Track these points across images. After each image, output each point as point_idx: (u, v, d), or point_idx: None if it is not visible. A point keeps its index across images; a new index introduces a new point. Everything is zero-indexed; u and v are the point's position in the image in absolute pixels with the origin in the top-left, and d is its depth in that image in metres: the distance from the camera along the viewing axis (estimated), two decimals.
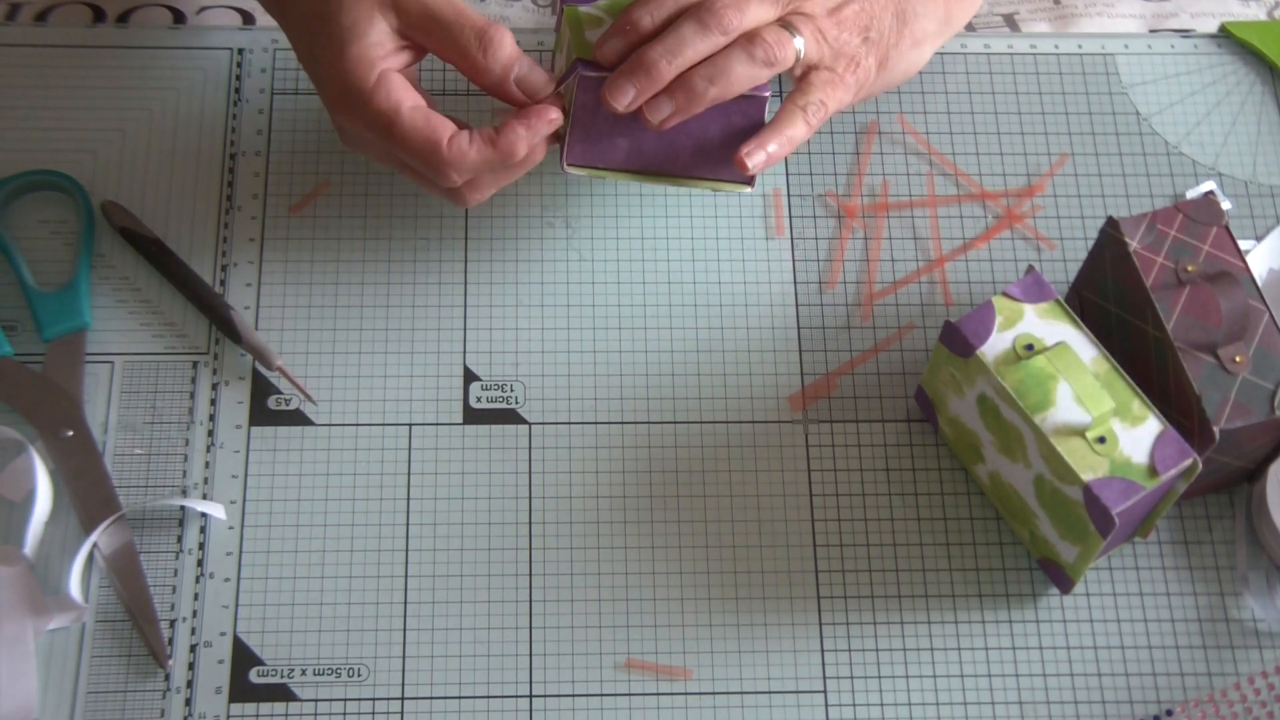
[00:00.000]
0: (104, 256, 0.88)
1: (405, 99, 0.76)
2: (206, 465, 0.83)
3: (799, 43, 0.79)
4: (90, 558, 0.80)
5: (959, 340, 0.78)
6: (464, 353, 0.86)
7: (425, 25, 0.77)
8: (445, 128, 0.76)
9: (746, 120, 0.80)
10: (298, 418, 0.84)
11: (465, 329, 0.87)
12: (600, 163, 0.80)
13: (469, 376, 0.85)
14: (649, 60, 0.76)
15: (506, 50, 0.76)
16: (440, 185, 0.79)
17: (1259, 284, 0.89)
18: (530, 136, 0.77)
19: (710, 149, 0.81)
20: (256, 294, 0.87)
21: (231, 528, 0.81)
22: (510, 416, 0.85)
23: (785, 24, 0.79)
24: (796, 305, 0.88)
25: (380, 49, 0.76)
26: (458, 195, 0.80)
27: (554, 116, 0.77)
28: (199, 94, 0.92)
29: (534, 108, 0.77)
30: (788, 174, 0.92)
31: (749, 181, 0.82)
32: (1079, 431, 0.75)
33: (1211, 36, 0.98)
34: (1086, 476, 0.74)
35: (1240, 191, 0.92)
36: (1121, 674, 0.80)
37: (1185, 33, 0.98)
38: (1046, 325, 0.78)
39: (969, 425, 0.81)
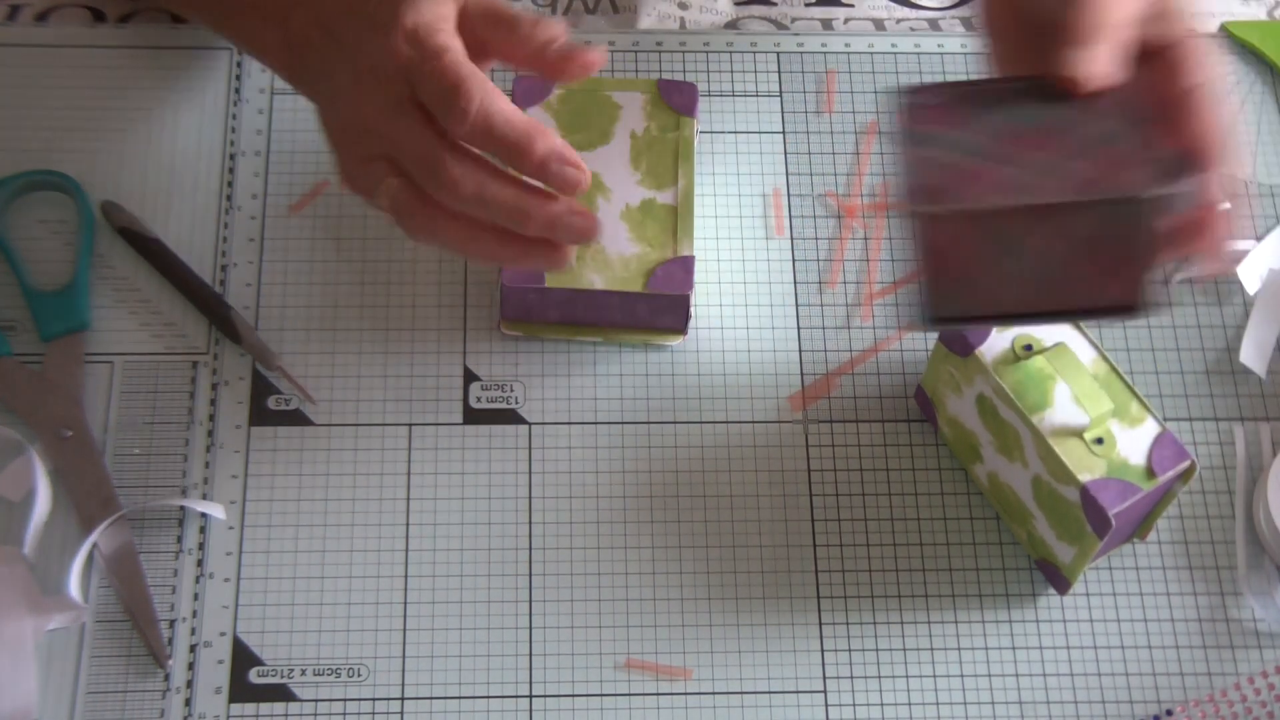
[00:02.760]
0: (104, 256, 0.88)
1: (462, 48, 0.72)
2: (206, 465, 0.83)
3: None
4: (90, 558, 0.80)
5: (958, 339, 0.78)
6: (464, 353, 0.86)
7: (486, 8, 0.74)
8: (488, 82, 0.72)
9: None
10: (298, 418, 0.84)
11: (465, 329, 0.87)
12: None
13: (469, 376, 0.85)
14: None
15: (560, 27, 0.74)
16: (449, 125, 0.72)
17: (1260, 284, 0.89)
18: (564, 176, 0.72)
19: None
20: (256, 294, 0.87)
21: (231, 528, 0.81)
22: (510, 416, 0.85)
23: None
24: (796, 305, 0.88)
25: (450, 14, 0.73)
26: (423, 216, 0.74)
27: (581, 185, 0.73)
28: (199, 94, 0.92)
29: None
30: (788, 174, 0.92)
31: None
32: (1077, 432, 0.75)
33: (1211, 36, 0.98)
34: (1084, 477, 0.74)
35: (1240, 191, 0.92)
36: (1121, 674, 0.80)
37: None
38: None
39: (968, 425, 0.81)
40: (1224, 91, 0.69)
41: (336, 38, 0.75)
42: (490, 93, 0.71)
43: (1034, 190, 0.67)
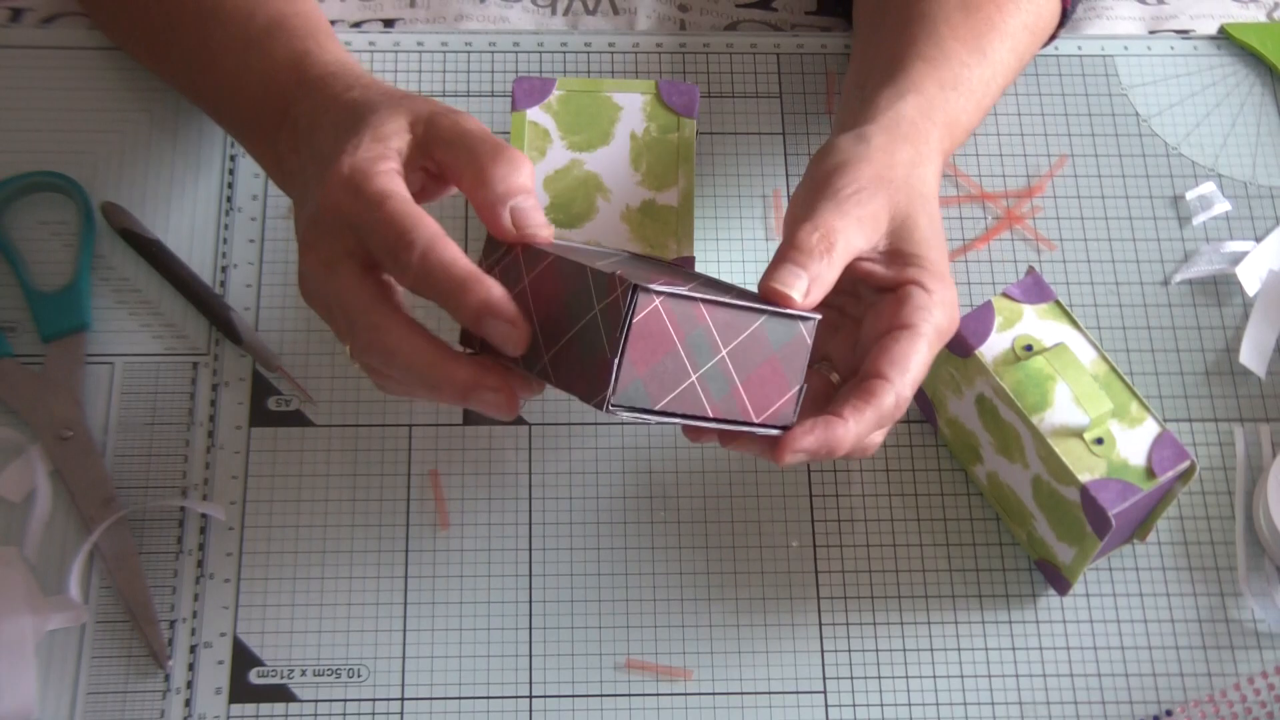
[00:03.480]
0: (104, 257, 0.88)
1: (405, 192, 0.69)
2: (206, 466, 0.83)
3: None
4: (90, 558, 0.80)
5: (958, 340, 0.78)
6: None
7: (451, 138, 0.70)
8: (431, 225, 0.68)
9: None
10: (298, 418, 0.84)
11: None
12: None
13: None
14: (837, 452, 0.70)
15: (524, 174, 0.70)
16: (395, 274, 0.70)
17: (1259, 285, 0.89)
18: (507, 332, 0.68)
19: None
20: (256, 295, 0.87)
21: (231, 528, 0.81)
22: None
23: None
24: None
25: (395, 151, 0.70)
26: (371, 373, 0.72)
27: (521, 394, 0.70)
28: None
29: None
30: (787, 175, 0.92)
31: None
32: (1077, 433, 0.75)
33: (1211, 38, 0.98)
34: (1084, 477, 0.74)
35: (1240, 193, 0.92)
36: (1121, 674, 0.80)
37: (1185, 34, 0.98)
38: (1046, 326, 0.78)
39: (968, 426, 0.81)
40: (935, 342, 0.73)
41: (302, 170, 0.74)
42: (432, 241, 0.67)
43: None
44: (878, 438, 0.72)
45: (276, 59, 0.78)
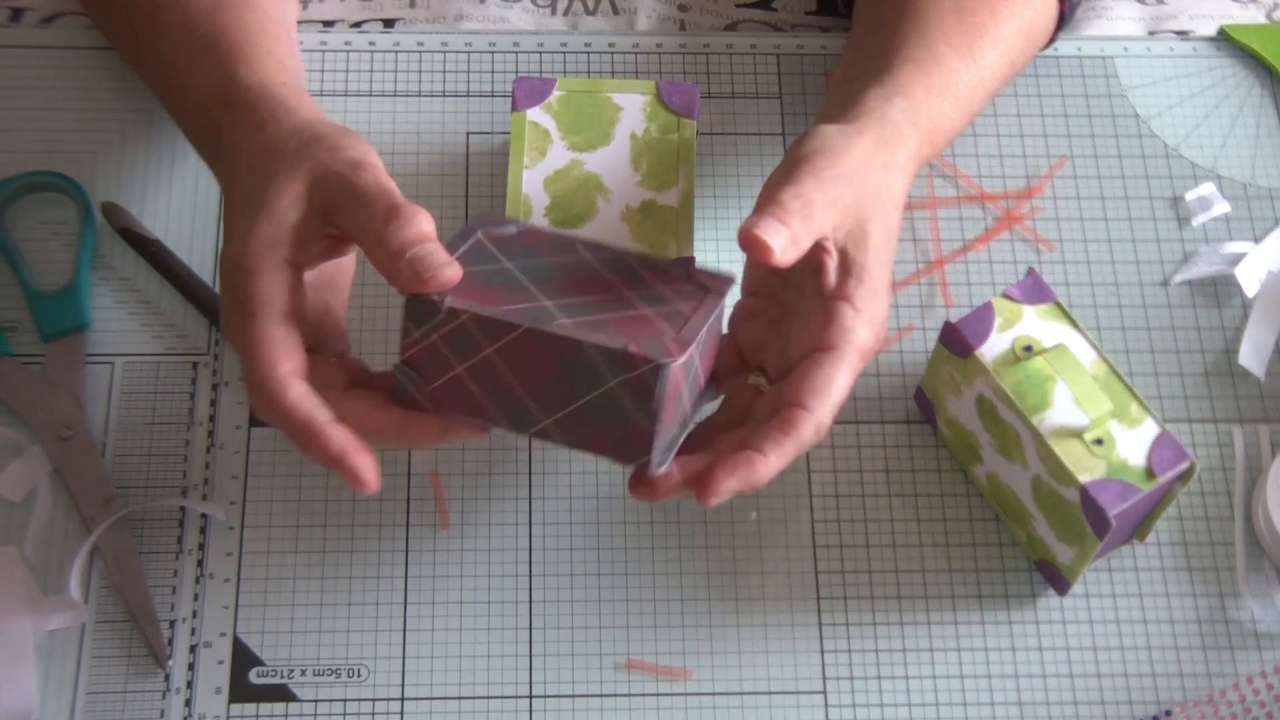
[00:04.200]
0: (104, 257, 0.88)
1: (281, 305, 0.69)
2: (206, 466, 0.83)
3: None
4: (90, 558, 0.80)
5: (958, 341, 0.78)
6: None
7: (345, 203, 0.69)
8: (284, 352, 0.68)
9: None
10: None
11: None
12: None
13: None
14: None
15: (418, 226, 0.68)
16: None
17: (1259, 286, 0.89)
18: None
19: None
20: None
21: (231, 528, 0.81)
22: None
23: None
24: None
25: (289, 231, 0.69)
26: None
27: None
28: None
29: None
30: None
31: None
32: (1076, 433, 0.75)
33: (1210, 39, 0.98)
34: (1083, 478, 0.74)
35: (1239, 194, 0.93)
36: (1120, 675, 0.80)
37: (1184, 35, 0.99)
38: (1046, 327, 0.78)
39: (968, 426, 0.81)
40: (857, 363, 0.73)
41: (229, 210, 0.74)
42: (269, 381, 0.68)
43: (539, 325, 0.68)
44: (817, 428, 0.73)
45: (209, 81, 0.78)
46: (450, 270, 0.68)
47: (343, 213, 0.69)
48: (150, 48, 0.83)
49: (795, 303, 0.75)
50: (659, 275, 0.74)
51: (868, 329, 0.73)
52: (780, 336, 0.75)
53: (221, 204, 0.89)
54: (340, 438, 0.68)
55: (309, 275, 0.72)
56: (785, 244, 0.70)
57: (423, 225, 0.68)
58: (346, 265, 0.76)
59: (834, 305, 0.73)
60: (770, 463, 0.70)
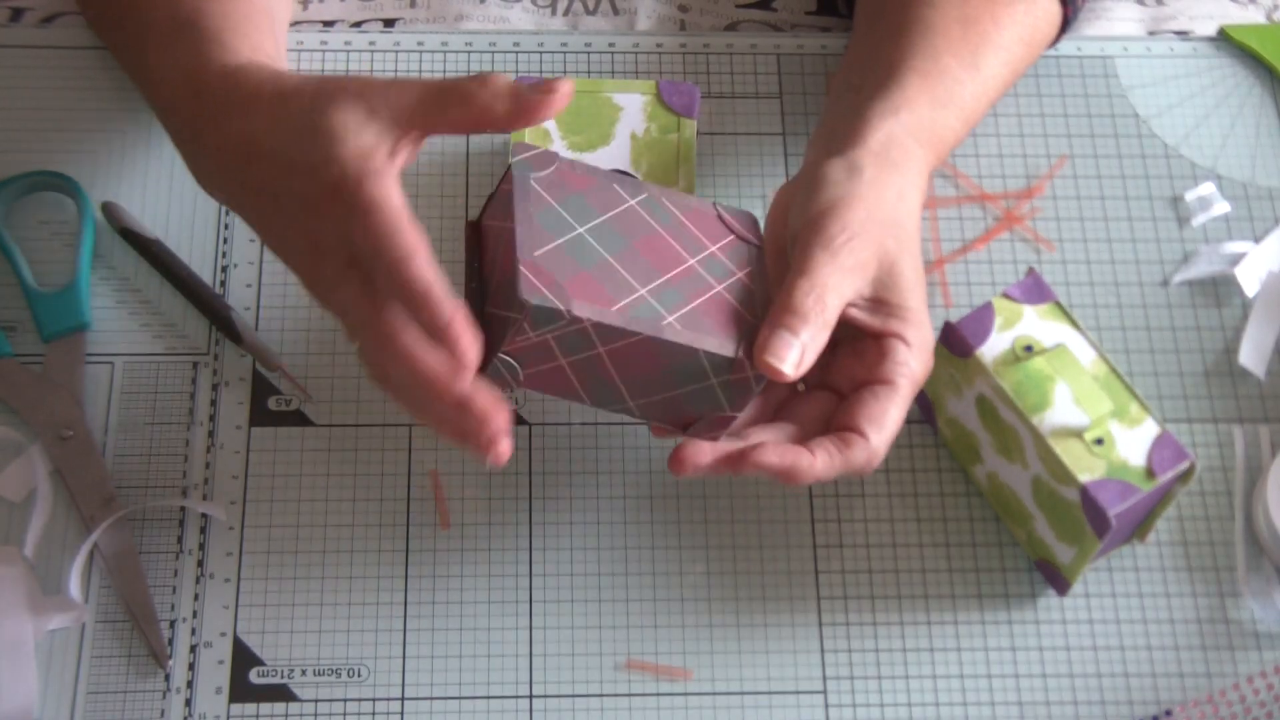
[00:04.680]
0: (104, 257, 0.88)
1: (399, 200, 0.69)
2: (207, 466, 0.83)
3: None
4: (91, 558, 0.80)
5: (958, 341, 0.78)
6: None
7: (423, 103, 0.70)
8: (420, 246, 0.68)
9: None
10: (298, 418, 0.84)
11: None
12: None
13: None
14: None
15: (504, 79, 0.69)
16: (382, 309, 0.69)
17: (1259, 286, 0.89)
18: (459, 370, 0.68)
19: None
20: (257, 294, 0.87)
21: (231, 528, 0.81)
22: (510, 417, 0.84)
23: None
24: None
25: (379, 150, 0.69)
26: (368, 362, 0.71)
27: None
28: None
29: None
30: (787, 175, 0.92)
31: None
32: (1077, 433, 0.75)
33: (1210, 39, 0.98)
34: (1083, 478, 0.74)
35: (1239, 194, 0.93)
36: (1120, 674, 0.80)
37: (1184, 35, 0.99)
38: (1046, 326, 0.78)
39: (967, 426, 0.81)
40: (910, 394, 0.75)
41: (273, 191, 0.72)
42: (407, 252, 0.67)
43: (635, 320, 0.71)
44: (870, 458, 0.75)
45: (183, 63, 0.76)
46: (566, 83, 0.69)
47: (435, 109, 0.69)
48: (126, 31, 0.81)
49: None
50: (695, 220, 0.76)
51: (919, 361, 0.75)
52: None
53: (222, 205, 0.89)
54: (454, 311, 0.68)
55: None
56: (798, 358, 0.72)
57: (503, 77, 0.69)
58: None
59: (887, 342, 0.75)
60: (816, 466, 0.72)
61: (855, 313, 0.75)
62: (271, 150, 0.71)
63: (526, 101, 0.69)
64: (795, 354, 0.71)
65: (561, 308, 0.69)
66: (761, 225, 0.78)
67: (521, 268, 0.70)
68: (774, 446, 0.72)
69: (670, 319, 0.71)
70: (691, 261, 0.74)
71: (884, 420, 0.74)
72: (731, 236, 0.76)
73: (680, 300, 0.72)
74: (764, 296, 0.74)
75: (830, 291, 0.73)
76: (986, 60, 0.84)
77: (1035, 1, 0.87)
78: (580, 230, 0.73)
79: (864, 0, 0.90)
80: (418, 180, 0.90)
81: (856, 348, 0.76)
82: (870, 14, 0.88)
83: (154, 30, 0.79)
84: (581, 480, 0.83)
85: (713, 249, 0.75)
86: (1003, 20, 0.85)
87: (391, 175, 0.69)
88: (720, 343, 0.72)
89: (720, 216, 0.76)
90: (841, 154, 0.77)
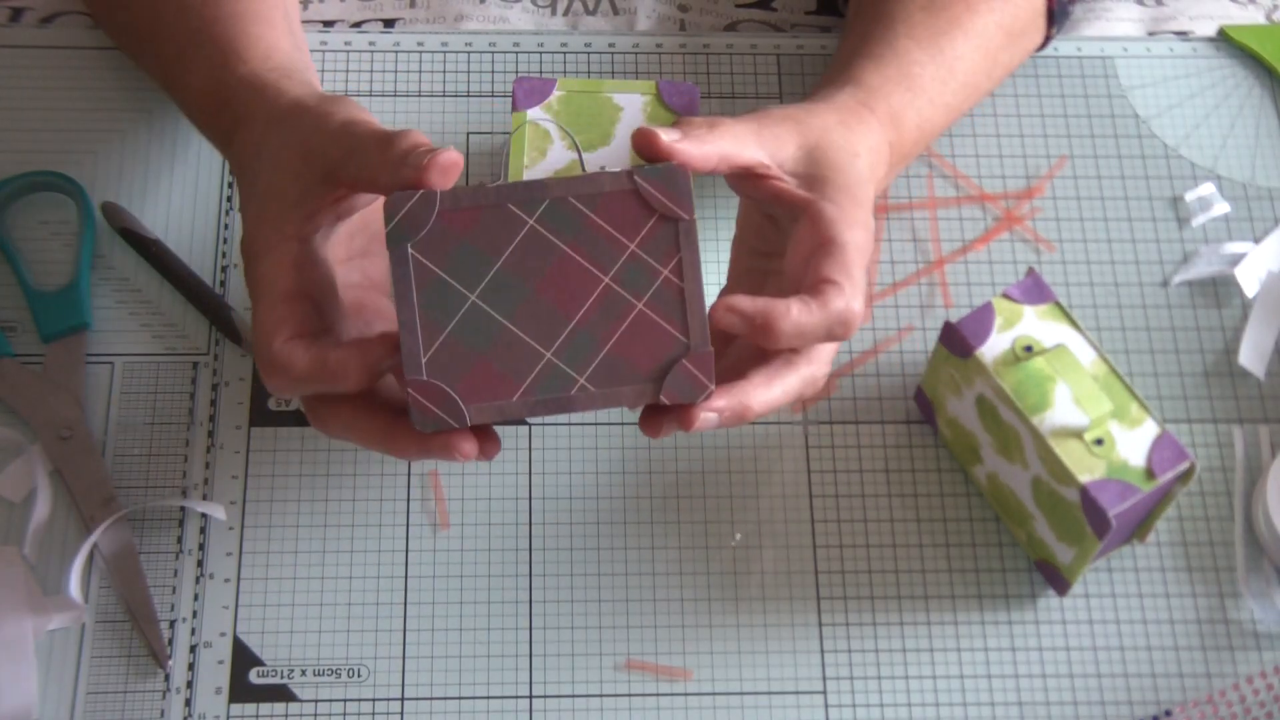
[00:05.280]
0: (104, 257, 0.88)
1: (283, 285, 0.69)
2: (206, 466, 0.83)
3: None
4: (90, 558, 0.80)
5: (958, 341, 0.78)
6: None
7: (342, 156, 0.69)
8: (283, 326, 0.68)
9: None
10: (298, 418, 0.84)
11: None
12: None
13: None
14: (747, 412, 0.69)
15: (409, 139, 0.67)
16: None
17: (1259, 286, 0.89)
18: (363, 359, 0.67)
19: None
20: None
21: (231, 528, 0.81)
22: None
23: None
24: None
25: (286, 207, 0.70)
26: (311, 414, 0.71)
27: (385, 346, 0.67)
28: None
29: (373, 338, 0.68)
30: None
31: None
32: (1077, 433, 0.75)
33: (1210, 40, 0.98)
34: (1083, 478, 0.74)
35: (1239, 194, 0.93)
36: (1120, 675, 0.80)
37: (1184, 36, 0.99)
38: (1046, 327, 0.78)
39: (967, 426, 0.81)
40: (861, 257, 0.71)
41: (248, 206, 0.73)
42: (269, 351, 0.68)
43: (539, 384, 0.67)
44: (824, 365, 0.71)
45: (206, 80, 0.79)
46: (447, 153, 0.66)
47: (345, 168, 0.69)
48: (150, 46, 0.83)
49: (778, 265, 0.74)
50: (610, 211, 0.68)
51: (861, 230, 0.71)
52: (771, 291, 0.74)
53: (222, 202, 0.89)
54: (353, 344, 0.67)
55: (344, 250, 0.73)
56: (678, 137, 0.68)
57: (416, 136, 0.68)
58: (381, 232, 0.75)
59: (816, 207, 0.71)
60: (792, 311, 0.68)
61: (781, 185, 0.72)
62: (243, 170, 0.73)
63: (408, 174, 0.67)
64: (675, 134, 0.68)
65: (456, 425, 0.66)
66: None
67: (410, 391, 0.66)
68: (744, 295, 0.68)
69: (581, 380, 0.67)
70: (605, 280, 0.67)
71: (848, 268, 0.69)
72: (655, 217, 0.67)
73: (592, 347, 0.67)
74: (696, 291, 0.67)
75: (724, 125, 0.70)
76: (953, 44, 0.84)
77: None
78: (472, 298, 0.67)
79: (849, 7, 0.90)
80: None
81: (794, 237, 0.72)
82: (849, 18, 0.89)
83: (172, 45, 0.80)
84: (581, 480, 0.83)
85: (632, 247, 0.67)
86: (977, 7, 0.85)
87: (281, 250, 0.69)
88: (638, 390, 0.67)
89: (639, 190, 0.67)
90: None
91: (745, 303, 0.67)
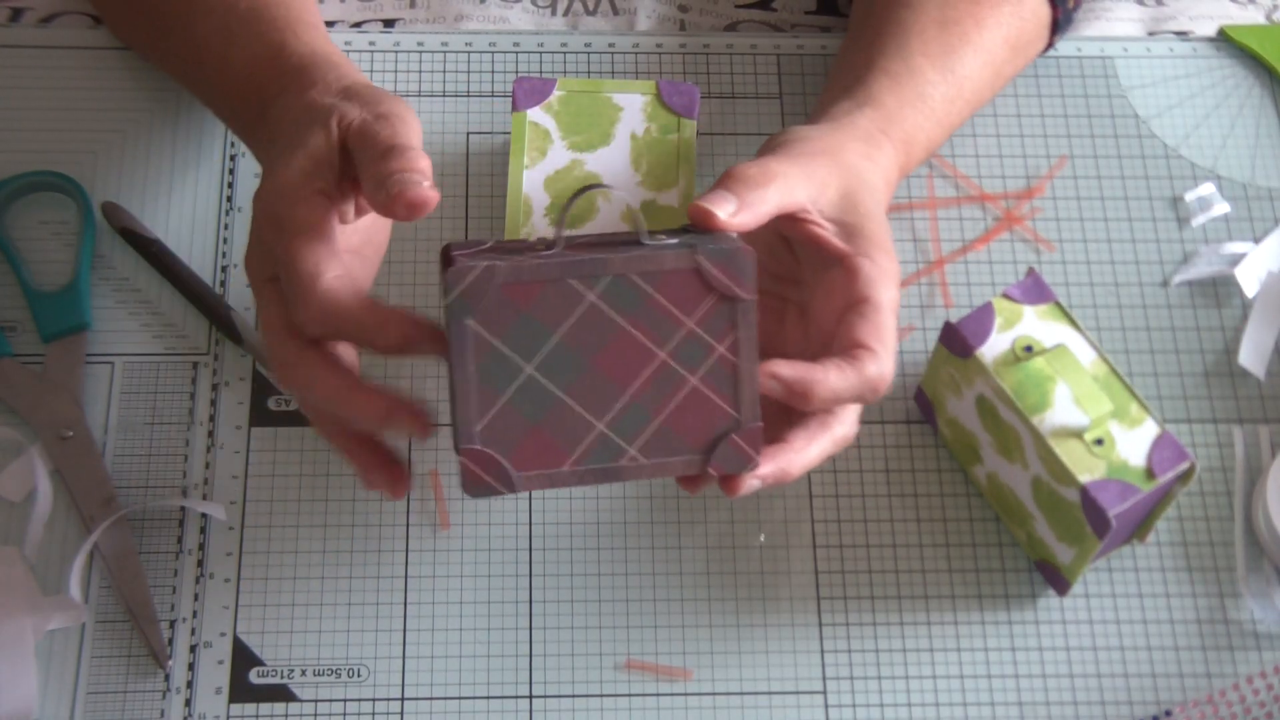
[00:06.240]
0: (104, 257, 0.88)
1: (322, 228, 0.69)
2: (207, 466, 0.83)
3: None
4: (90, 558, 0.80)
5: (958, 341, 0.78)
6: None
7: (355, 141, 0.70)
8: (332, 263, 0.68)
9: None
10: (298, 418, 0.84)
11: None
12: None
13: None
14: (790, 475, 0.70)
15: (407, 160, 0.68)
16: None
17: (1259, 286, 0.89)
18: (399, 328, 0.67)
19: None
20: None
21: (231, 528, 0.81)
22: None
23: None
24: None
25: (319, 164, 0.70)
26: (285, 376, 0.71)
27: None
28: None
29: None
30: None
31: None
32: (1077, 433, 0.75)
33: (1210, 40, 0.98)
34: (1083, 478, 0.74)
35: (1239, 194, 0.93)
36: (1120, 675, 0.80)
37: (1184, 36, 0.99)
38: (1046, 327, 0.78)
39: (967, 426, 0.81)
40: (893, 315, 0.72)
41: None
42: (315, 287, 0.67)
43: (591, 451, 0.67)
44: (854, 426, 0.72)
45: (254, 52, 0.78)
46: (418, 190, 0.66)
47: (355, 155, 0.69)
48: (183, 31, 0.82)
49: (795, 293, 0.75)
50: (671, 288, 0.67)
51: (894, 285, 0.72)
52: (789, 326, 0.75)
53: (222, 202, 0.89)
54: (397, 318, 0.67)
55: (342, 242, 0.73)
56: (734, 209, 0.69)
57: (413, 161, 0.67)
58: (377, 237, 0.76)
59: (854, 262, 0.72)
60: (830, 377, 0.69)
61: (818, 230, 0.72)
62: (286, 126, 0.73)
63: (382, 198, 0.67)
64: (729, 206, 0.69)
65: (505, 492, 0.67)
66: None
67: (462, 458, 0.66)
68: (785, 362, 0.69)
69: (632, 451, 0.67)
70: (662, 355, 0.67)
71: (882, 332, 0.70)
72: (714, 297, 0.67)
73: (645, 419, 0.67)
74: (750, 369, 0.67)
75: (776, 173, 0.71)
76: (963, 61, 0.84)
77: (1022, 3, 0.87)
78: (529, 370, 0.66)
79: (853, 7, 0.90)
80: None
81: (826, 285, 0.73)
82: (856, 19, 0.88)
83: (214, 21, 0.80)
84: None
85: (690, 325, 0.67)
86: (986, 22, 0.85)
87: (318, 199, 0.69)
88: (687, 462, 0.68)
89: (701, 270, 0.66)
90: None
91: (786, 370, 0.68)
